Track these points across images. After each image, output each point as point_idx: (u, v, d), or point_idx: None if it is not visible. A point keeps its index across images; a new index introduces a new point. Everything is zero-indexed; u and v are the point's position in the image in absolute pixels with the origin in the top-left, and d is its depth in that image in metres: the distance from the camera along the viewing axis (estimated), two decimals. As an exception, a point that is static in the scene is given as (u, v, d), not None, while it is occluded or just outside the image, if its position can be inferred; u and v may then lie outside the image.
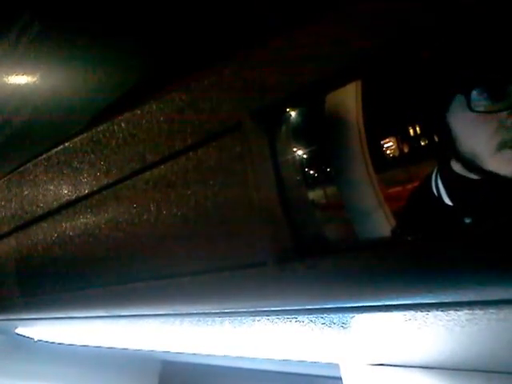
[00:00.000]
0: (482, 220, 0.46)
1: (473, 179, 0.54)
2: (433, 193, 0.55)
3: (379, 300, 0.44)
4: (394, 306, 0.44)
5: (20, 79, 0.84)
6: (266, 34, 0.48)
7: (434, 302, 0.42)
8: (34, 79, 0.81)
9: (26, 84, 0.83)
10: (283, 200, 0.49)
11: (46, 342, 1.47)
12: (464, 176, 0.55)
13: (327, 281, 0.45)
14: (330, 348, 0.90)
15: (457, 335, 0.57)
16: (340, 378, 1.03)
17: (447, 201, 0.54)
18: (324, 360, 1.12)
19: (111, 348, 1.49)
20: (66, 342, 1.48)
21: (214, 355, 1.42)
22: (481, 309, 0.42)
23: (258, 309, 0.55)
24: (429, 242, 0.39)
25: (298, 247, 0.47)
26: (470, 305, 0.42)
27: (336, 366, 1.05)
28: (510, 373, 0.79)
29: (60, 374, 1.74)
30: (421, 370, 0.91)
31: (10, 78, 0.86)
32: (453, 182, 0.53)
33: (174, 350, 1.45)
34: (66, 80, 0.78)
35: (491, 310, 0.43)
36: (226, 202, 0.52)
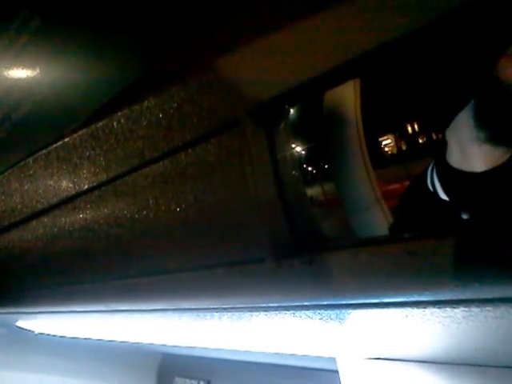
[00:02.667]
0: (478, 216, 0.47)
1: (469, 173, 0.54)
2: (428, 188, 0.55)
3: (376, 297, 0.44)
4: (391, 303, 0.44)
5: (19, 74, 0.84)
6: (265, 31, 0.48)
7: (430, 299, 0.42)
8: (34, 74, 0.81)
9: (26, 79, 0.83)
10: (281, 196, 0.49)
11: (47, 334, 1.47)
12: (460, 170, 0.55)
13: (324, 277, 0.45)
14: (327, 342, 0.90)
15: (453, 331, 0.58)
16: (337, 372, 1.04)
17: (443, 196, 0.54)
18: (321, 354, 1.13)
19: (111, 341, 1.50)
20: (66, 334, 1.49)
21: (213, 348, 1.42)
22: (477, 306, 0.43)
23: (256, 305, 0.55)
24: (425, 239, 0.39)
25: (295, 243, 0.48)
26: (466, 302, 0.42)
27: (333, 360, 1.05)
28: (505, 367, 0.79)
29: (60, 366, 1.75)
30: (417, 364, 0.91)
31: (9, 72, 0.85)
32: (449, 177, 0.53)
33: (172, 343, 1.45)
34: (65, 75, 0.78)
35: (488, 308, 0.43)
36: (225, 198, 0.53)
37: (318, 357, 1.18)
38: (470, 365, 0.84)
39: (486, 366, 0.82)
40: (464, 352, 0.81)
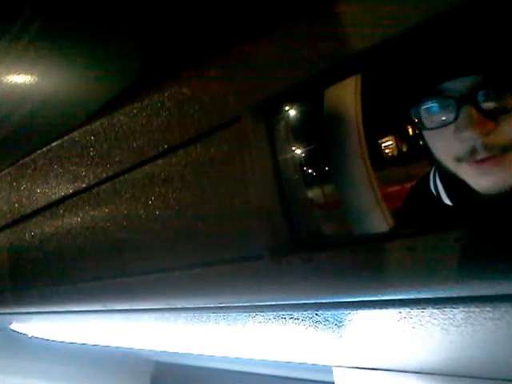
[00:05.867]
0: (480, 219, 0.46)
1: None
2: (431, 192, 0.55)
3: (375, 295, 0.43)
4: (390, 301, 0.44)
5: (20, 75, 0.84)
6: (265, 29, 0.48)
7: (429, 297, 0.41)
8: (34, 76, 0.81)
9: (26, 80, 0.83)
10: (280, 194, 0.49)
11: (41, 338, 1.46)
12: None
13: (323, 275, 0.45)
14: (324, 349, 0.90)
15: (452, 336, 0.57)
16: (333, 383, 1.03)
17: (446, 200, 0.54)
18: (317, 363, 1.12)
19: (104, 347, 1.48)
20: (60, 339, 1.48)
21: (206, 357, 1.41)
22: (477, 306, 0.42)
23: (254, 303, 0.55)
24: (425, 235, 0.39)
25: (294, 241, 0.47)
26: (466, 302, 0.42)
27: (329, 371, 1.04)
28: (503, 379, 0.79)
29: (53, 371, 1.74)
30: (415, 375, 0.90)
31: (9, 74, 0.86)
32: (452, 181, 0.53)
33: (166, 350, 1.44)
34: (65, 77, 0.78)
35: (487, 308, 0.43)
36: (224, 194, 0.52)
37: (314, 368, 1.17)
38: (467, 376, 0.84)
39: (484, 378, 0.81)
40: (462, 362, 0.80)
